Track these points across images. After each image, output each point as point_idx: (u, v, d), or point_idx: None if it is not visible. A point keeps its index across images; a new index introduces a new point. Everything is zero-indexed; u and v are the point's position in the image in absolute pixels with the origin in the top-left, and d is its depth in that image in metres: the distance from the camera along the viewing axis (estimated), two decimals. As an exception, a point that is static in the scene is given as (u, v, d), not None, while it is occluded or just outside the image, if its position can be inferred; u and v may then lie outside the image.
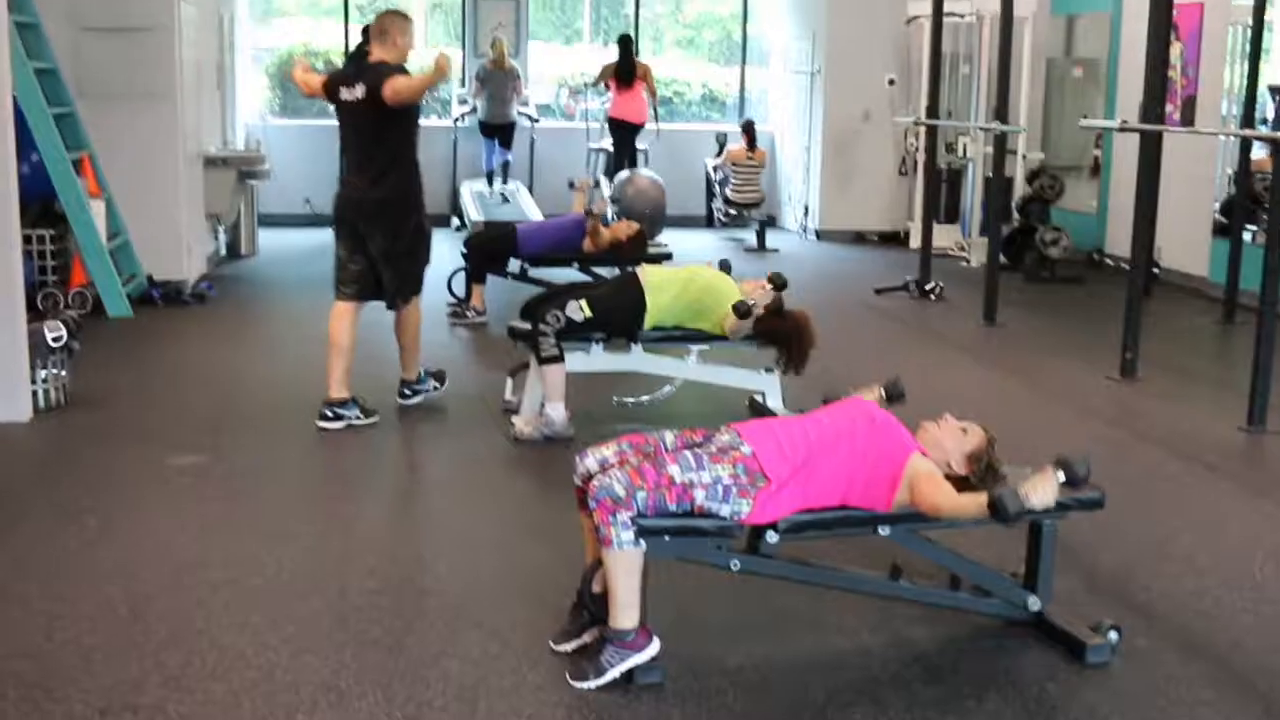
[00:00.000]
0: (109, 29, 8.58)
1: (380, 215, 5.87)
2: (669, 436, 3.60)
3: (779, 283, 5.67)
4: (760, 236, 12.54)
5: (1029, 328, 8.81)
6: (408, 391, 6.21)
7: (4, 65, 5.67)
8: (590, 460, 3.54)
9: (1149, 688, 3.45)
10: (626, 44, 12.57)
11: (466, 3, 13.94)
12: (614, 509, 3.28)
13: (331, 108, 5.97)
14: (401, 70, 5.76)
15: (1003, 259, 9.53)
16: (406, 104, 5.74)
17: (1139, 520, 4.78)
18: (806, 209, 13.50)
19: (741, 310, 5.51)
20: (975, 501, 3.27)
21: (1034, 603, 3.74)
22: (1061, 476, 3.20)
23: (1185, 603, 4.04)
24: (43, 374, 5.88)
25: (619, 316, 5.77)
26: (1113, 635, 3.62)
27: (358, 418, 5.83)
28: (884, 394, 3.95)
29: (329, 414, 5.78)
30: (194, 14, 9.42)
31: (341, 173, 6.05)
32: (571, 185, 9.39)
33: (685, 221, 13.60)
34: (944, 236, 11.94)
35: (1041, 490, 3.19)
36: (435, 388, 6.31)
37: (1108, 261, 11.43)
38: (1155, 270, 10.01)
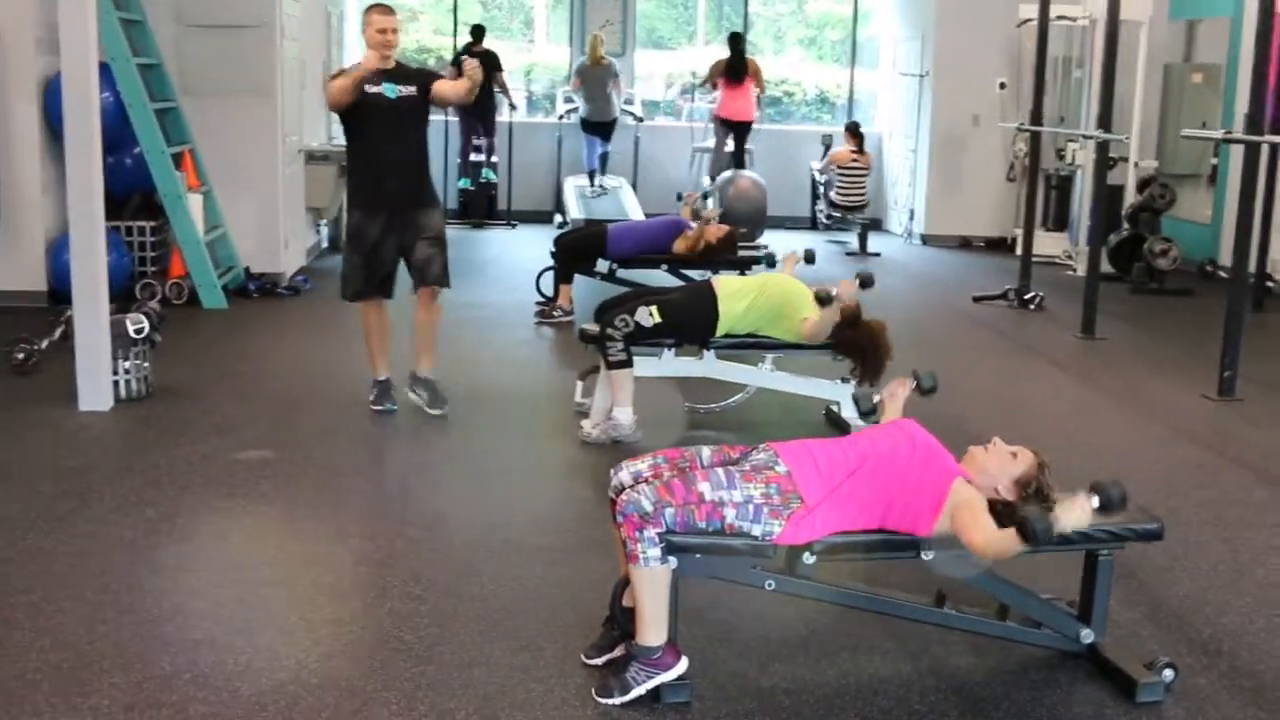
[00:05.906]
0: (213, 26, 8.76)
1: None
2: (706, 452, 3.53)
3: (865, 280, 5.55)
4: (863, 240, 12.37)
5: (1129, 341, 8.53)
6: None
7: (92, 63, 5.78)
8: (624, 473, 3.50)
9: (1200, 731, 3.30)
10: (737, 41, 12.49)
11: (575, 1, 13.98)
12: (641, 524, 3.22)
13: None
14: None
15: (1111, 269, 9.25)
16: None
17: (1215, 548, 4.58)
18: (911, 213, 13.28)
19: (823, 297, 5.42)
20: (1013, 536, 3.10)
21: (1087, 635, 3.60)
22: (1095, 502, 3.04)
23: (1254, 641, 3.84)
24: (125, 365, 6.00)
25: (690, 324, 5.70)
26: (1167, 673, 3.46)
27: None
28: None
29: None
30: (298, 11, 9.56)
31: None
32: (680, 198, 9.25)
33: (788, 223, 13.48)
34: (1052, 244, 11.69)
35: (1072, 514, 3.04)
36: None
37: (1221, 274, 11.03)
38: (1269, 284, 9.65)
